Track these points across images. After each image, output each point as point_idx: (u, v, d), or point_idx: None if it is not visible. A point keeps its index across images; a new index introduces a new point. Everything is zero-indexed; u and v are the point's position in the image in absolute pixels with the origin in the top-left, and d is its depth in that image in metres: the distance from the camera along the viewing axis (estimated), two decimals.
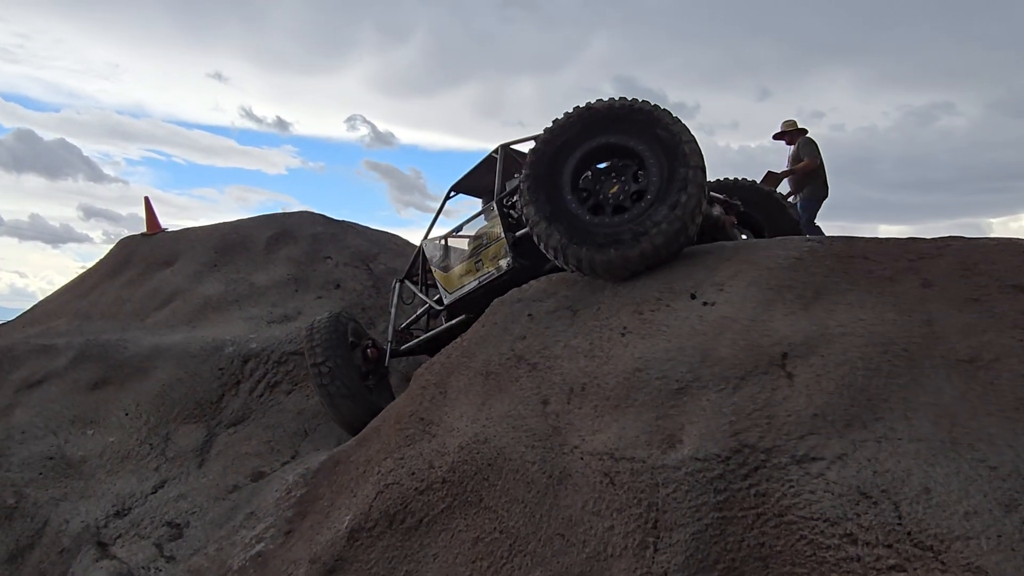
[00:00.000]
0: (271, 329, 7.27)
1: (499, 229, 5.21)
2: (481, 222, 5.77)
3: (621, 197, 4.04)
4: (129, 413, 6.40)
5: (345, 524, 3.49)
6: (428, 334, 6.32)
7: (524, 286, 4.50)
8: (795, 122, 8.37)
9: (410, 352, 6.56)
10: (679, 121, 3.99)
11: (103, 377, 6.75)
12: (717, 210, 4.79)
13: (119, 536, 4.96)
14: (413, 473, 3.50)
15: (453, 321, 5.99)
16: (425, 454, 3.61)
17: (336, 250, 8.71)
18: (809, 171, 7.62)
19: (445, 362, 4.21)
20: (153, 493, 5.51)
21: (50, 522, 5.11)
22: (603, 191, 4.11)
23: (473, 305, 5.63)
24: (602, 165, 4.25)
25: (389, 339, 6.49)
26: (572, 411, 3.34)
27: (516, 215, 5.32)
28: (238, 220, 9.50)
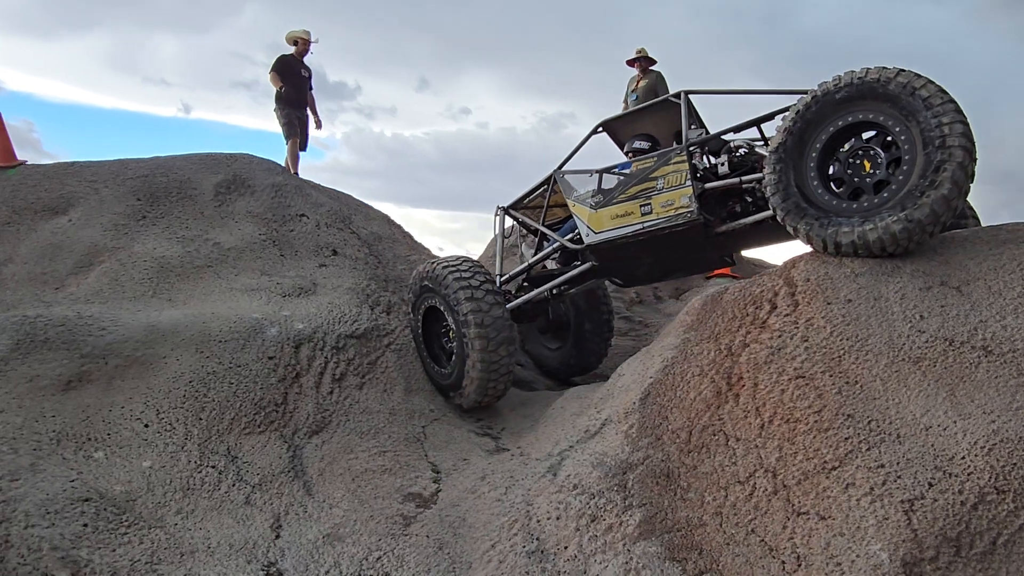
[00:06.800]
0: (297, 305, 5.57)
1: (682, 176, 4.65)
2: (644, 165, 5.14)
3: (886, 168, 3.81)
4: (151, 424, 4.42)
5: (884, 559, 2.79)
6: (550, 284, 5.46)
7: (806, 257, 4.05)
8: (646, 50, 7.69)
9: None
10: (901, 70, 3.65)
11: (78, 372, 4.55)
12: None
13: None
14: (932, 484, 2.92)
15: (577, 269, 5.30)
16: (914, 459, 3.01)
17: (309, 207, 6.96)
18: None
19: (811, 346, 3.56)
20: (277, 537, 3.88)
21: None
22: (858, 175, 3.87)
23: (621, 252, 4.98)
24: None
25: (497, 287, 5.44)
26: None
27: (701, 167, 4.84)
28: (156, 157, 7.04)
